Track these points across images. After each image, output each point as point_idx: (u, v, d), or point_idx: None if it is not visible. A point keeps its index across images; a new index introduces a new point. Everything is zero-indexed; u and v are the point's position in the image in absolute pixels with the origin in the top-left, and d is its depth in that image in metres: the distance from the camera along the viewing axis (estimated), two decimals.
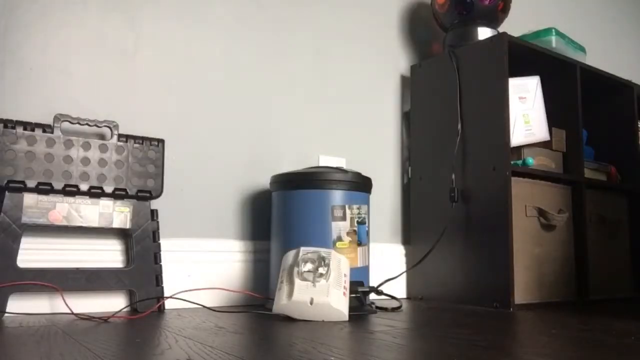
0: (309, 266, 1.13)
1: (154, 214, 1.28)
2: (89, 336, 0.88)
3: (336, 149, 1.67)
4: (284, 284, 1.13)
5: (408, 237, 1.78)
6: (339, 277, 1.15)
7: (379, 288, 1.33)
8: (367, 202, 1.35)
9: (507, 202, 1.44)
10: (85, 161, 1.20)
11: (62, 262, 1.20)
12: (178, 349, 0.78)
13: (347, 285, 1.16)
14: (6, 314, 1.10)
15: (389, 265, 1.70)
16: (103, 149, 1.22)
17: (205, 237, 1.41)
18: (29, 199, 1.14)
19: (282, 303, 1.11)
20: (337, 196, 1.29)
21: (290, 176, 1.32)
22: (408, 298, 1.70)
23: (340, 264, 1.17)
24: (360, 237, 1.31)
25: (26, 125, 1.15)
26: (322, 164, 1.62)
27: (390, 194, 1.77)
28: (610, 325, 1.12)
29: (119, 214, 1.23)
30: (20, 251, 1.14)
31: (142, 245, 1.25)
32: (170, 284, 1.32)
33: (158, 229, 1.28)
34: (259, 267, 1.46)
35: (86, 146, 1.20)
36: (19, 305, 1.14)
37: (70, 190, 1.18)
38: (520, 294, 1.47)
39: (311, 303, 1.09)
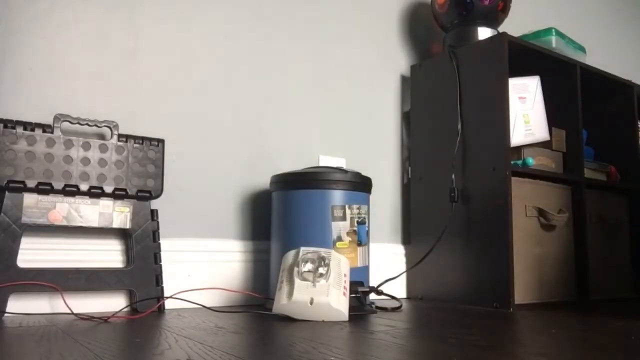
0: (309, 266, 1.13)
1: (154, 214, 1.28)
2: (89, 336, 0.88)
3: (336, 149, 1.67)
4: (284, 284, 1.13)
5: (408, 237, 1.78)
6: (339, 277, 1.15)
7: (379, 288, 1.33)
8: (367, 202, 1.35)
9: (507, 202, 1.44)
10: (85, 161, 1.20)
11: (62, 262, 1.20)
12: (178, 349, 0.78)
13: (347, 285, 1.16)
14: (6, 314, 1.10)
15: (389, 265, 1.70)
16: (103, 149, 1.22)
17: (205, 237, 1.41)
18: (29, 199, 1.14)
19: (282, 303, 1.11)
20: (337, 196, 1.29)
21: (290, 176, 1.32)
22: (408, 298, 1.70)
23: (340, 264, 1.17)
24: (360, 237, 1.31)
25: (26, 125, 1.15)
26: (322, 164, 1.62)
27: (390, 194, 1.77)
28: (611, 325, 1.12)
29: (119, 214, 1.23)
30: (20, 251, 1.14)
31: (142, 245, 1.25)
32: (170, 284, 1.32)
33: (158, 229, 1.28)
34: (259, 267, 1.46)
35: (86, 146, 1.20)
36: (19, 305, 1.14)
37: (70, 190, 1.18)
38: (520, 294, 1.47)
39: (311, 303, 1.09)
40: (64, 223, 1.17)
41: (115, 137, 1.24)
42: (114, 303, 1.25)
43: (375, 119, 1.76)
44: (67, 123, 1.22)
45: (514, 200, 1.46)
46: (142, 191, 1.26)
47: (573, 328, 1.07)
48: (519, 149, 1.58)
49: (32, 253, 1.17)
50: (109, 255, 1.26)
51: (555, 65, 1.72)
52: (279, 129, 1.56)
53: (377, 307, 1.35)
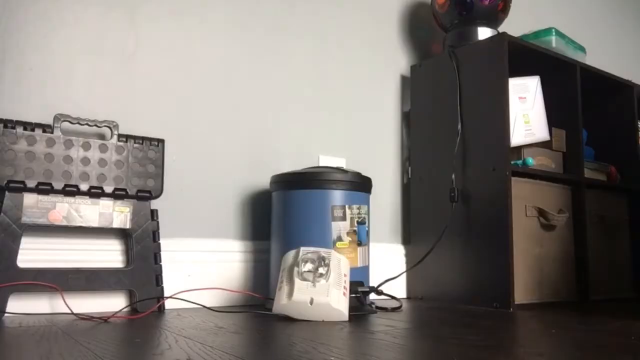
0: (309, 266, 1.13)
1: (154, 214, 1.28)
2: (89, 336, 0.88)
3: (336, 149, 1.67)
4: (284, 284, 1.13)
5: (408, 237, 1.78)
6: (339, 277, 1.15)
7: (379, 288, 1.33)
8: (367, 202, 1.35)
9: (507, 202, 1.44)
10: (85, 161, 1.20)
11: (62, 262, 1.20)
12: (178, 349, 0.78)
13: (347, 285, 1.16)
14: (6, 314, 1.10)
15: (389, 265, 1.70)
16: (103, 149, 1.22)
17: (205, 237, 1.41)
18: (29, 199, 1.14)
19: (282, 303, 1.11)
20: (337, 196, 1.29)
21: (290, 176, 1.32)
22: (408, 298, 1.70)
23: (340, 264, 1.17)
24: (360, 237, 1.31)
25: (26, 125, 1.15)
26: (322, 164, 1.62)
27: (390, 194, 1.77)
28: (611, 325, 1.12)
29: (119, 214, 1.23)
30: (20, 251, 1.14)
31: (142, 245, 1.25)
32: (170, 284, 1.32)
33: (158, 229, 1.28)
34: (259, 267, 1.46)
35: (86, 146, 1.20)
36: (19, 305, 1.14)
37: (70, 190, 1.18)
38: (520, 294, 1.47)
39: (311, 303, 1.09)
40: (64, 223, 1.17)
41: (115, 137, 1.24)
42: (114, 303, 1.25)
43: (375, 119, 1.76)
44: (67, 123, 1.22)
45: (514, 200, 1.46)
46: (142, 191, 1.26)
47: (573, 328, 1.07)
48: (519, 149, 1.58)
49: (32, 253, 1.17)
50: (109, 255, 1.26)
51: (555, 65, 1.72)
52: (279, 129, 1.56)
53: (377, 307, 1.35)
